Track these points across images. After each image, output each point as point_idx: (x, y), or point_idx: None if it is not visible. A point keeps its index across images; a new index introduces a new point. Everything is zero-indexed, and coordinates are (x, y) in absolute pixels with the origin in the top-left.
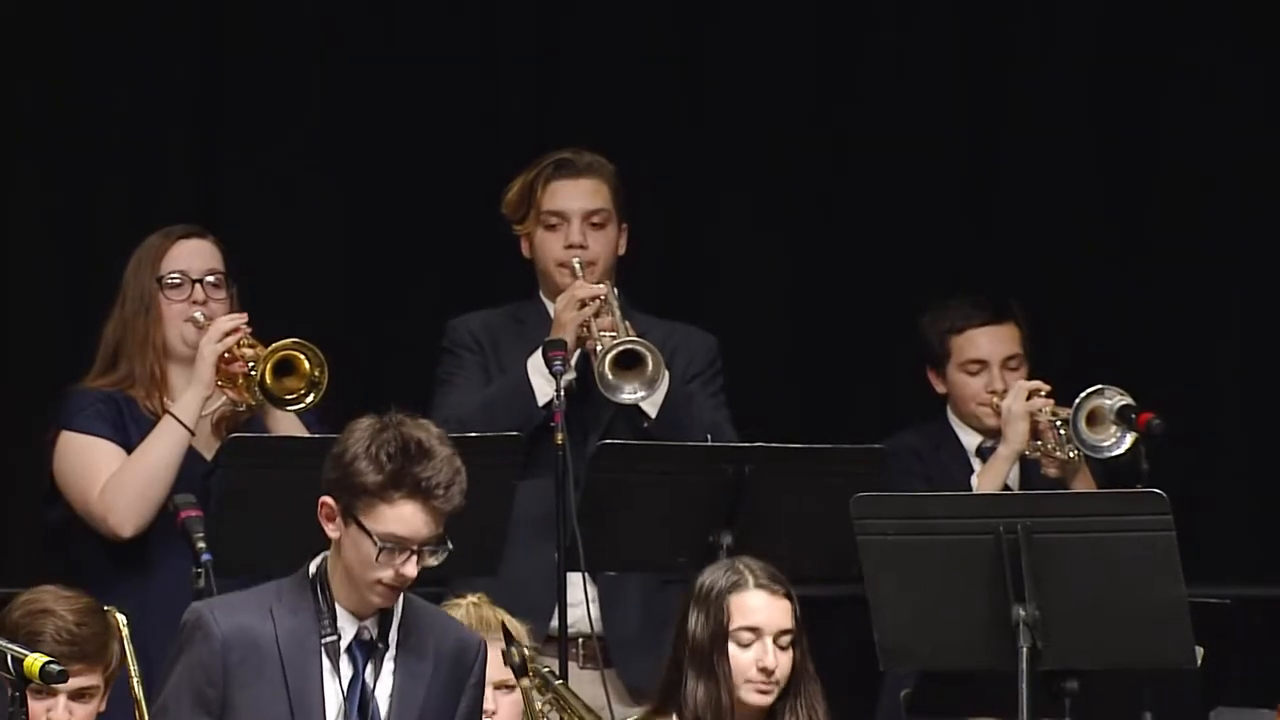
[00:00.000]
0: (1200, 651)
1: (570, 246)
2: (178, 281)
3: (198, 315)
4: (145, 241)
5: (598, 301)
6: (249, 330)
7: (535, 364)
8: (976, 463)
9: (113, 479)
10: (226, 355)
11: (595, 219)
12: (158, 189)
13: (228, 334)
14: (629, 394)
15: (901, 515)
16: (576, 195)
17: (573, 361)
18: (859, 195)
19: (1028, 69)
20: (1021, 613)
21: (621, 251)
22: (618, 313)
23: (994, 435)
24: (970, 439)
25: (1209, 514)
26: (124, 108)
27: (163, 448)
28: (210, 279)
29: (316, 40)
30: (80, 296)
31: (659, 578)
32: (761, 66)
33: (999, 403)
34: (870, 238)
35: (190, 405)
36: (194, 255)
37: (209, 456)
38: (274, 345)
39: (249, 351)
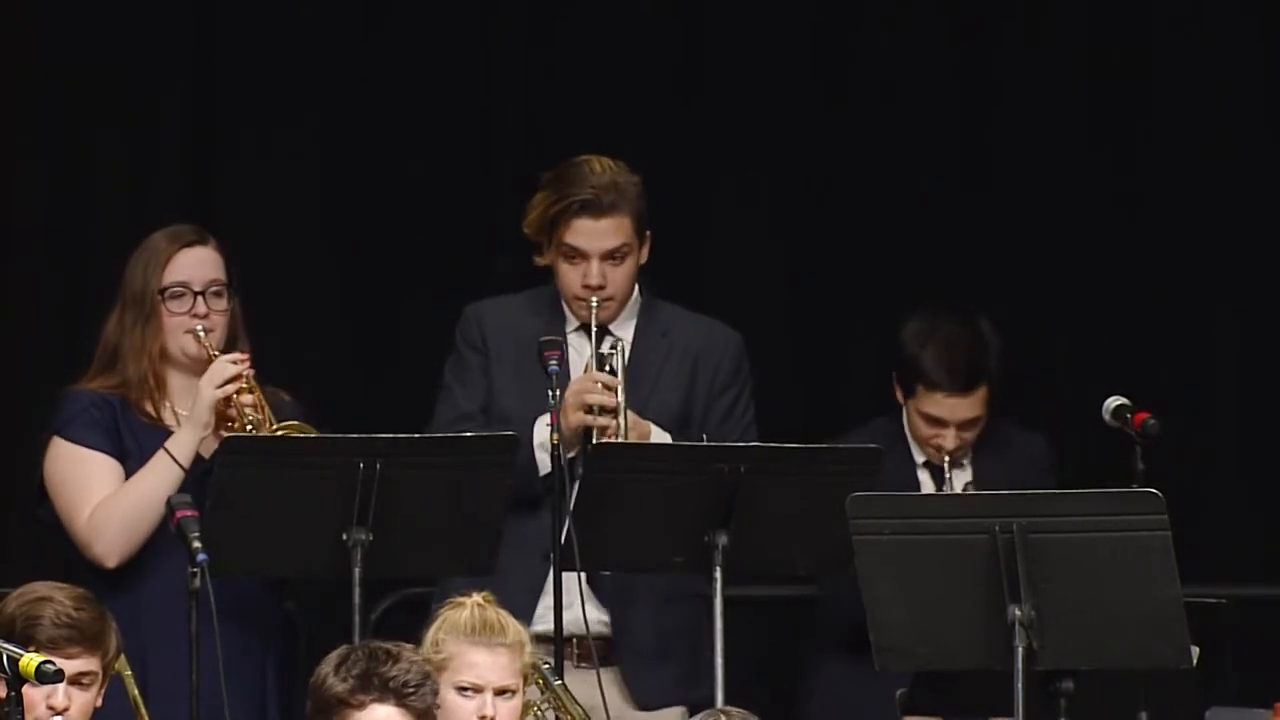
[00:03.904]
0: (1196, 651)
1: (588, 286)
2: (180, 293)
3: (199, 329)
4: (149, 243)
5: (240, 381)
6: (250, 372)
7: (539, 439)
8: (924, 475)
9: (101, 508)
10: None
11: (614, 257)
12: (154, 190)
13: (229, 380)
14: None
15: (898, 515)
16: (596, 235)
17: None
18: (859, 194)
19: (1020, 64)
20: (1017, 612)
21: (643, 260)
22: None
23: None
24: (920, 453)
25: (1205, 514)
26: (119, 110)
27: (154, 483)
28: (212, 289)
29: (310, 41)
30: (78, 296)
31: (670, 592)
32: (760, 66)
33: (946, 455)
34: (869, 236)
35: (186, 444)
36: (197, 266)
37: (206, 456)
38: (278, 425)
39: (248, 398)
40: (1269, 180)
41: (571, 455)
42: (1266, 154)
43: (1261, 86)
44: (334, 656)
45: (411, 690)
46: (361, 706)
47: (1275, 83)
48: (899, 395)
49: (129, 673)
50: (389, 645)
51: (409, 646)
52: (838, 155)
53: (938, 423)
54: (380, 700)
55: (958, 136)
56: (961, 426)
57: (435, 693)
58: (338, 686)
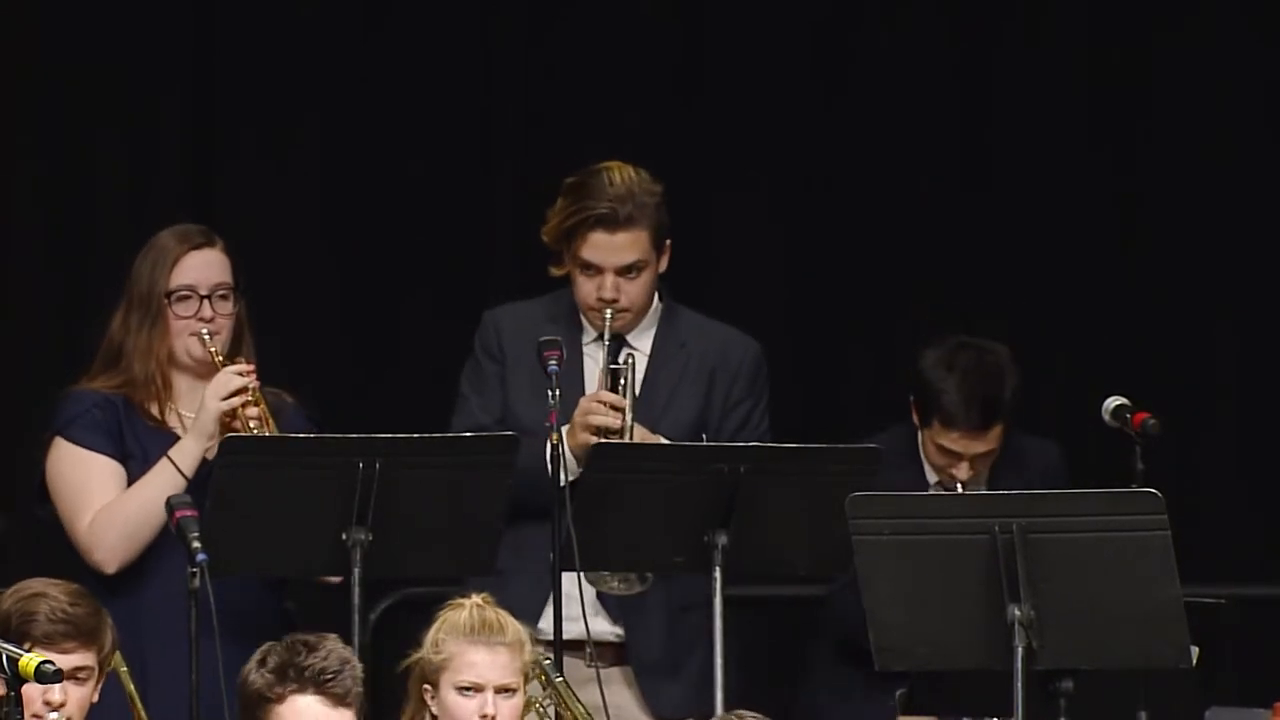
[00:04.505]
0: (1195, 651)
1: (602, 299)
2: (186, 296)
3: (204, 333)
4: (156, 243)
5: (245, 394)
6: (256, 385)
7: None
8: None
9: (103, 515)
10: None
11: (630, 271)
12: (154, 190)
13: (235, 392)
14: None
15: (897, 515)
16: (611, 250)
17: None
18: (859, 194)
19: (1020, 64)
20: (1017, 612)
21: (662, 270)
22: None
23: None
24: (933, 474)
25: (1205, 514)
26: (119, 110)
27: (156, 492)
28: (219, 293)
29: (310, 41)
30: (78, 296)
31: (681, 603)
32: (760, 66)
33: (959, 481)
34: (869, 236)
35: (190, 454)
36: (203, 269)
37: (209, 458)
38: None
39: (253, 410)
40: (1269, 181)
41: (580, 471)
42: (1266, 154)
43: (1261, 86)
44: (256, 654)
45: (330, 677)
46: (281, 699)
47: (1275, 83)
48: (915, 419)
49: (125, 668)
50: (309, 636)
51: (332, 636)
52: (838, 155)
53: (953, 455)
54: (299, 691)
55: (958, 136)
56: (975, 459)
57: (357, 677)
58: (258, 682)
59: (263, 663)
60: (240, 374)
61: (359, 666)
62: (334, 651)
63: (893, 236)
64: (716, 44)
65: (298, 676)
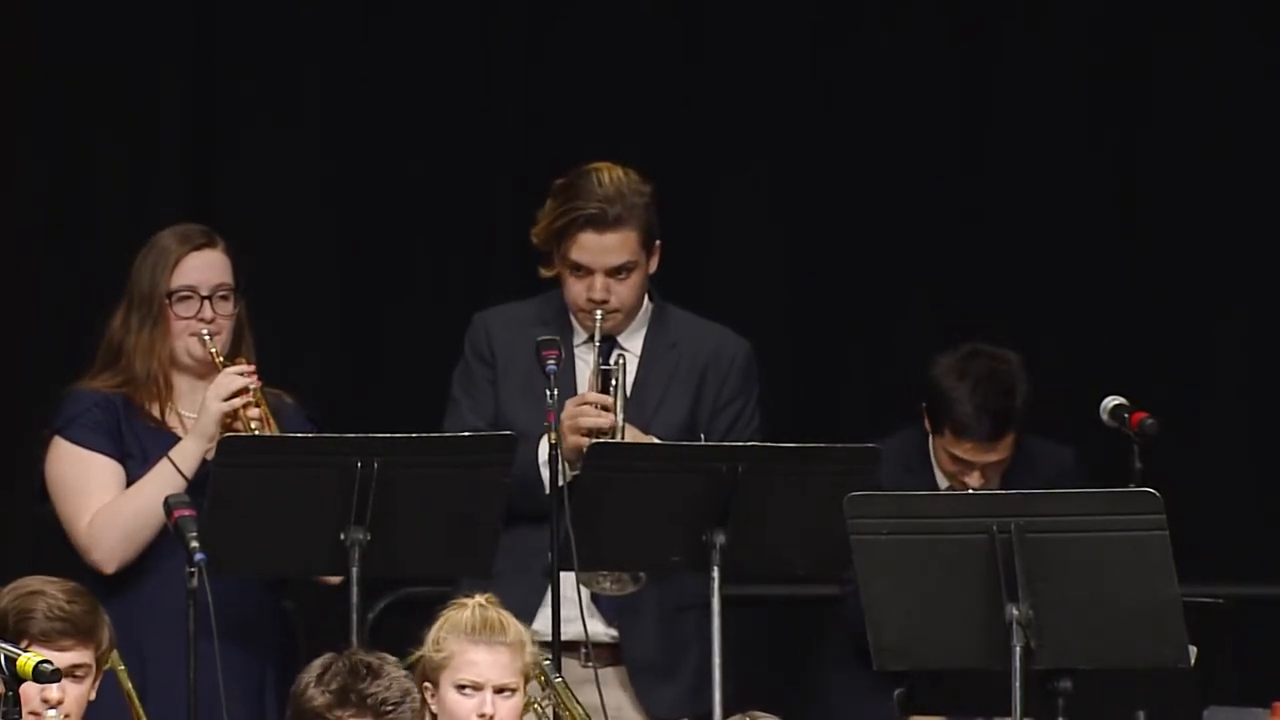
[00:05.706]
0: (1194, 651)
1: (592, 300)
2: (187, 296)
3: (204, 333)
4: (157, 243)
5: (246, 395)
6: (258, 385)
7: (544, 456)
8: None
9: (102, 515)
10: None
11: (620, 272)
12: (154, 190)
13: (236, 393)
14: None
15: (896, 514)
16: (601, 251)
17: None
18: (859, 194)
19: (1020, 64)
20: (1015, 612)
21: (652, 270)
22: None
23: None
24: (944, 479)
25: (1203, 513)
26: (119, 110)
27: (155, 493)
28: (219, 294)
29: (310, 41)
30: (78, 296)
31: (675, 604)
32: (759, 66)
33: (970, 489)
34: (869, 237)
35: (190, 455)
36: (204, 269)
37: (209, 458)
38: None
39: (255, 411)
40: (1269, 181)
41: (575, 475)
42: (1266, 154)
43: (1261, 86)
44: (316, 666)
45: (390, 708)
46: None
47: (1275, 83)
48: (927, 425)
49: (122, 667)
50: (372, 658)
51: (392, 660)
52: (838, 155)
53: (964, 463)
54: (358, 716)
55: (958, 136)
56: (987, 467)
57: (415, 709)
58: (317, 699)
59: (322, 679)
60: (242, 375)
61: (417, 698)
62: (396, 681)
63: (892, 236)
64: (716, 44)
65: (359, 702)
